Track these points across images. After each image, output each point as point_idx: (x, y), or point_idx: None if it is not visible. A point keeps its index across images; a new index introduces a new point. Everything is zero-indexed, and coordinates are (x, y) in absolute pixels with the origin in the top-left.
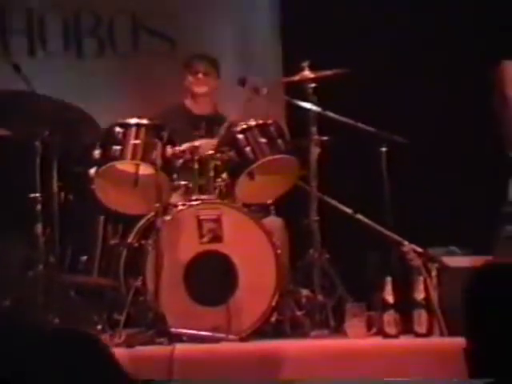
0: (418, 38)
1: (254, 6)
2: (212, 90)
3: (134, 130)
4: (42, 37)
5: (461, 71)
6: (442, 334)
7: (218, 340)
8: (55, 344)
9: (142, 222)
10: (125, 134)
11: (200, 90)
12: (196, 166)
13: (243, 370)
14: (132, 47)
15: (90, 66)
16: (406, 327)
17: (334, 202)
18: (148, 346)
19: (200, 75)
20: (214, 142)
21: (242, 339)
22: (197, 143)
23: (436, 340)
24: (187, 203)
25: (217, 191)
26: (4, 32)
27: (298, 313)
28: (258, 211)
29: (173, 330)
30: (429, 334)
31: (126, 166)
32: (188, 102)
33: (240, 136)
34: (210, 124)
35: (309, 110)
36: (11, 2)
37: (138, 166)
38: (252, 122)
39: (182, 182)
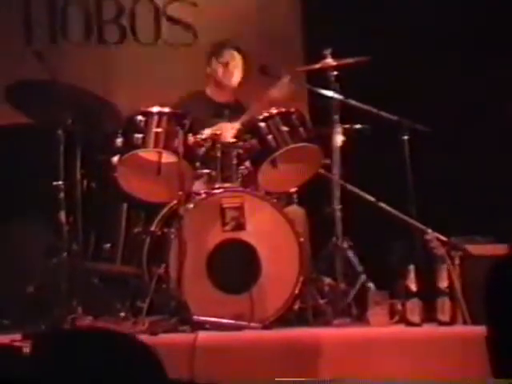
0: (442, 26)
1: None
2: (237, 83)
3: (155, 118)
4: (64, 25)
5: (485, 60)
6: (465, 323)
7: (240, 328)
8: (107, 349)
9: (165, 210)
10: (147, 122)
11: (229, 82)
12: (218, 154)
13: (266, 358)
14: (154, 36)
15: (112, 53)
16: (429, 315)
17: (356, 190)
18: (171, 334)
19: (229, 66)
20: (235, 126)
21: (265, 327)
22: (218, 130)
23: (459, 328)
24: (210, 191)
25: (239, 179)
26: (27, 21)
27: (321, 301)
28: (280, 199)
29: (195, 317)
30: (452, 322)
31: (148, 154)
32: (209, 90)
33: (262, 124)
34: (232, 112)
35: (331, 98)
36: None
37: (160, 154)
38: (274, 110)
39: (205, 171)
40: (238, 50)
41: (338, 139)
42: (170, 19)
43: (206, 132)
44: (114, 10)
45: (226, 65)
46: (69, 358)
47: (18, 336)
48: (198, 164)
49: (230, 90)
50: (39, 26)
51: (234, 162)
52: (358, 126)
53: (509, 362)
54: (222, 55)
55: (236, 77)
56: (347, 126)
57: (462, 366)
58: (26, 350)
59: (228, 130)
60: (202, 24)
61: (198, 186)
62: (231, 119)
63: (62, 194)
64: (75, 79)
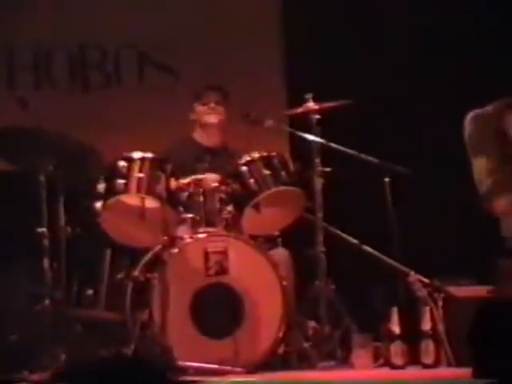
0: (419, 69)
1: (258, 39)
2: (222, 121)
3: (138, 163)
4: (49, 71)
5: (463, 103)
6: (449, 365)
7: (224, 373)
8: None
9: (149, 255)
10: (129, 168)
11: (211, 119)
12: (201, 198)
13: None
14: (138, 80)
15: (96, 99)
16: (413, 358)
17: (339, 233)
18: None
19: (212, 105)
20: (216, 176)
21: (249, 372)
22: (200, 176)
23: (443, 370)
24: (194, 236)
25: (223, 223)
26: (11, 67)
27: (305, 344)
28: (264, 243)
29: (180, 363)
30: (436, 364)
31: (131, 199)
32: (197, 135)
33: (244, 168)
34: (216, 156)
35: (312, 141)
36: (18, 37)
37: (143, 199)
38: (256, 155)
39: (189, 215)
40: (219, 89)
41: (319, 182)
42: (153, 64)
43: (190, 177)
44: (98, 56)
45: (207, 104)
46: None
47: None
48: (181, 209)
49: (215, 132)
50: (23, 71)
51: (217, 206)
52: (335, 169)
53: None
54: (203, 97)
55: (219, 113)
56: (327, 169)
57: None
58: None
59: (211, 175)
60: (184, 68)
61: (182, 231)
62: (215, 163)
63: (45, 241)
64: (59, 125)
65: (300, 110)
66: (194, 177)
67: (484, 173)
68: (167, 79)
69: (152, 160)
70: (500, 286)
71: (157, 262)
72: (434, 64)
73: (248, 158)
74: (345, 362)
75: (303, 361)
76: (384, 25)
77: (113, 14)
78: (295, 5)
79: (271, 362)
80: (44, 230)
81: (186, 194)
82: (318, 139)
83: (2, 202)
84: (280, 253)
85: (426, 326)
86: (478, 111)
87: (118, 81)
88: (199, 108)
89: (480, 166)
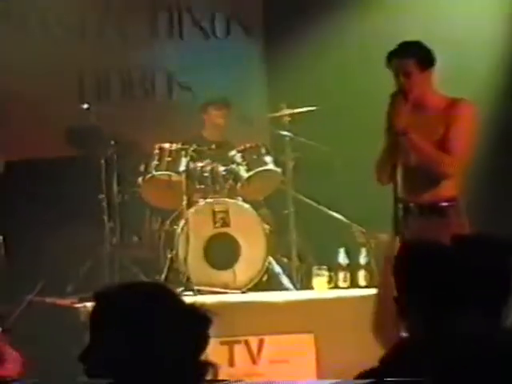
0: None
1: (245, 63)
2: (226, 122)
3: (167, 151)
4: (106, 88)
5: None
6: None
7: (226, 293)
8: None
9: (175, 213)
10: (160, 154)
11: (220, 121)
12: (210, 175)
13: (245, 314)
14: (167, 96)
15: (139, 107)
16: (354, 283)
17: (303, 198)
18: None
19: (221, 112)
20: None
21: (243, 292)
22: (209, 160)
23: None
24: (205, 200)
25: (225, 192)
26: (81, 86)
27: (279, 271)
28: (253, 204)
29: (196, 287)
30: (370, 287)
31: (162, 175)
32: (205, 132)
33: (238, 154)
34: (219, 147)
35: (286, 136)
36: (85, 65)
37: (170, 175)
38: (247, 145)
39: (202, 186)
40: (225, 100)
41: (290, 164)
42: (179, 85)
43: (204, 161)
44: (140, 76)
45: (218, 109)
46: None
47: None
48: (197, 182)
49: (219, 129)
50: (89, 88)
51: (221, 180)
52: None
53: (410, 317)
54: (214, 105)
55: (225, 117)
56: (296, 154)
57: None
58: (84, 309)
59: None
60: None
61: (197, 197)
62: (220, 151)
63: (104, 204)
64: (114, 125)
65: (277, 114)
66: (206, 161)
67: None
68: (187, 95)
69: (176, 149)
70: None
71: (180, 218)
72: None
73: (242, 147)
74: (307, 287)
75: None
76: None
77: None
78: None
79: (258, 285)
80: (103, 196)
81: (200, 171)
82: (289, 134)
83: (75, 176)
84: (263, 211)
85: (363, 260)
86: None
87: (153, 94)
88: (210, 111)
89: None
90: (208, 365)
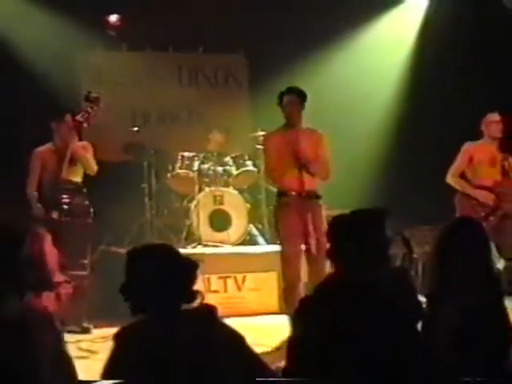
0: None
1: (237, 102)
2: (222, 141)
3: (186, 157)
4: (149, 118)
5: None
6: None
7: (223, 246)
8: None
9: (190, 196)
10: (182, 159)
11: (220, 139)
12: (213, 173)
13: (234, 260)
14: (187, 123)
15: (169, 130)
16: None
17: (272, 189)
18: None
19: (221, 135)
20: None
21: (235, 245)
22: (210, 163)
23: None
24: (209, 188)
25: (222, 183)
26: (133, 113)
27: (256, 233)
28: (239, 191)
29: (204, 242)
30: None
31: (182, 172)
32: (210, 146)
33: (231, 160)
34: (219, 156)
35: (259, 148)
36: (118, 102)
37: (187, 173)
38: (236, 154)
39: (207, 180)
40: (224, 126)
41: (262, 167)
42: (195, 115)
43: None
44: (170, 119)
45: (219, 132)
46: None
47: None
48: (204, 177)
49: (219, 144)
50: (138, 118)
51: (219, 176)
52: None
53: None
54: (217, 129)
55: (223, 137)
56: None
57: None
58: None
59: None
60: (208, 118)
61: (204, 186)
62: (220, 159)
63: (146, 190)
64: (153, 141)
65: (255, 134)
66: (210, 164)
67: None
68: (200, 122)
69: (191, 156)
70: None
71: (193, 200)
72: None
73: (233, 155)
74: (273, 242)
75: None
76: None
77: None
78: None
79: (245, 241)
80: (145, 185)
81: (206, 170)
82: (262, 147)
83: (128, 173)
84: (246, 196)
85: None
86: None
87: (177, 122)
88: (214, 135)
89: None
90: (197, 292)
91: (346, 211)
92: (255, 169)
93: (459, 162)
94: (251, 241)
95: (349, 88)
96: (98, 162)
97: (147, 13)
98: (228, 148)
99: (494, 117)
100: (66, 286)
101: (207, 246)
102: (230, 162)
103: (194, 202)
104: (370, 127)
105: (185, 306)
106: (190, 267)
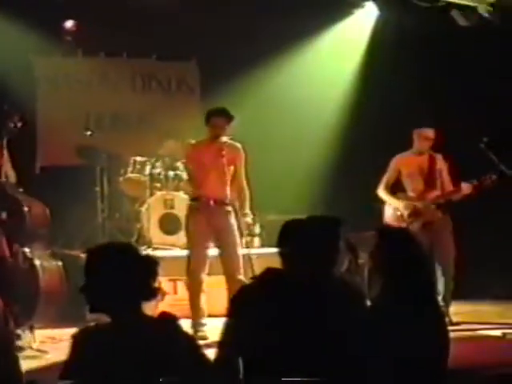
0: None
1: (190, 108)
2: (174, 147)
3: (138, 161)
4: (103, 123)
5: None
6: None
7: (173, 249)
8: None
9: (141, 200)
10: (134, 163)
11: (171, 146)
12: (164, 177)
13: (184, 263)
14: (138, 128)
15: (122, 135)
16: None
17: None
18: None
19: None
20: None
21: (183, 249)
22: (164, 168)
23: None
24: (160, 192)
25: (173, 187)
26: (87, 121)
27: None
28: (189, 195)
29: (154, 246)
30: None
31: (133, 176)
32: (161, 151)
33: (182, 165)
34: (170, 160)
35: None
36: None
37: (138, 176)
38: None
39: (159, 184)
40: (175, 134)
41: None
42: (146, 122)
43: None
44: (123, 114)
45: (171, 139)
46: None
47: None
48: (155, 181)
49: (171, 150)
50: (91, 122)
51: (171, 181)
52: None
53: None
54: (168, 136)
55: (174, 143)
56: None
57: None
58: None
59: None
60: (160, 124)
61: (156, 190)
62: (169, 164)
63: (98, 193)
64: (107, 146)
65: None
66: (161, 169)
67: None
68: (151, 129)
69: (143, 161)
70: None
71: (144, 203)
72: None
73: (183, 161)
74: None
75: None
76: None
77: None
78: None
79: None
80: (98, 188)
81: (157, 175)
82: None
83: (81, 176)
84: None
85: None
86: None
87: (130, 127)
88: (168, 140)
89: None
90: (158, 288)
91: (291, 217)
92: None
93: (388, 175)
94: None
95: (297, 94)
96: (52, 166)
97: (102, 19)
98: (179, 153)
99: (429, 133)
100: None
101: (158, 248)
102: (181, 167)
103: (145, 206)
104: (313, 134)
105: (145, 304)
106: (149, 264)
